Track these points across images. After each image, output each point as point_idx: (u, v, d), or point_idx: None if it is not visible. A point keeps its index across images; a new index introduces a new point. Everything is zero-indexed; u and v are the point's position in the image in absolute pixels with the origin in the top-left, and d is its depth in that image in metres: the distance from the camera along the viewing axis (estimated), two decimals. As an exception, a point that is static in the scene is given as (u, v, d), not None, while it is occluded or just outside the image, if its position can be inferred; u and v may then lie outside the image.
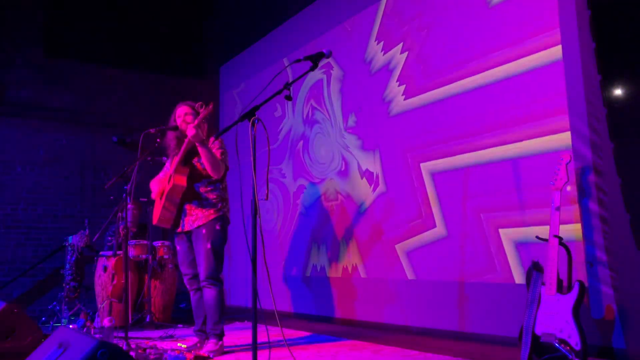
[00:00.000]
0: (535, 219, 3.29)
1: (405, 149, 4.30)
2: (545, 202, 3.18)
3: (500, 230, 3.52)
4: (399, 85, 4.35)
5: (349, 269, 4.77)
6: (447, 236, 3.89)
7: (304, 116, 5.53)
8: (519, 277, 3.37)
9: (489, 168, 3.64)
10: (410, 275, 4.18)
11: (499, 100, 3.57)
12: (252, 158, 2.41)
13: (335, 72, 5.11)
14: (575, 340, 2.46)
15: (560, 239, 2.66)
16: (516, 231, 3.42)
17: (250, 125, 2.41)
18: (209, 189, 3.66)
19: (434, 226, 4.00)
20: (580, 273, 3.00)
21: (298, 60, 2.57)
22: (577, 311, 2.52)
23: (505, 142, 3.53)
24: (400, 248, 4.27)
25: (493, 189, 3.60)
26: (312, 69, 2.57)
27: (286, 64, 5.53)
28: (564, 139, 3.16)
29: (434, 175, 4.04)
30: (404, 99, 4.30)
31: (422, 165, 4.15)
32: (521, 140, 3.42)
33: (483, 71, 3.67)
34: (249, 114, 2.43)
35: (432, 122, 4.07)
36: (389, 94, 4.46)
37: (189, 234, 3.69)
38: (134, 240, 5.33)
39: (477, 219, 3.68)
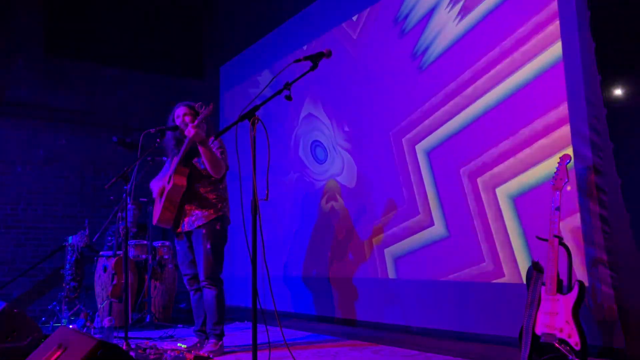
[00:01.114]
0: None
1: (402, 133, 4.32)
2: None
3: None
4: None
5: (349, 268, 4.77)
6: (448, 236, 3.89)
7: (305, 116, 5.53)
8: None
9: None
10: (410, 274, 4.18)
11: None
12: (252, 158, 2.41)
13: (335, 70, 5.10)
14: (575, 340, 2.46)
15: (561, 239, 2.66)
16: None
17: (250, 126, 2.41)
18: (208, 189, 3.66)
19: (432, 224, 4.00)
20: (580, 273, 3.00)
21: (298, 60, 2.57)
22: (577, 311, 2.51)
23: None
24: (401, 247, 4.27)
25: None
26: (312, 69, 2.56)
27: (286, 63, 5.53)
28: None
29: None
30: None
31: (416, 147, 4.19)
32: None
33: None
34: (249, 114, 2.43)
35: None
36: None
37: (189, 234, 3.69)
38: (134, 240, 5.33)
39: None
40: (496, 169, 3.59)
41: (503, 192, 3.53)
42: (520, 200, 3.43)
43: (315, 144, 5.35)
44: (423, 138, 4.15)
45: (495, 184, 3.59)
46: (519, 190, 3.44)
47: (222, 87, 7.30)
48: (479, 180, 3.69)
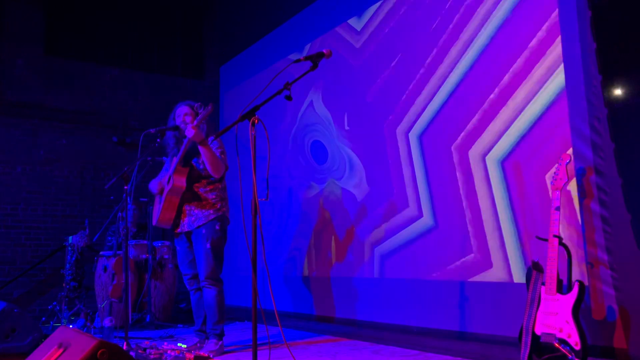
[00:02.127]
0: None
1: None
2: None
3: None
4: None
5: (349, 268, 4.76)
6: (436, 226, 3.89)
7: (306, 116, 5.52)
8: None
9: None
10: (410, 274, 4.18)
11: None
12: (252, 158, 2.41)
13: (335, 70, 5.10)
14: (575, 340, 2.46)
15: (560, 239, 2.66)
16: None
17: (250, 126, 2.40)
18: (208, 189, 3.66)
19: (431, 222, 4.00)
20: (580, 273, 3.00)
21: (298, 60, 2.57)
22: (577, 311, 2.51)
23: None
24: (401, 247, 4.27)
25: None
26: (312, 69, 2.56)
27: (286, 64, 5.53)
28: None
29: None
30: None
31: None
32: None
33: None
34: (249, 114, 2.43)
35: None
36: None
37: (188, 234, 3.69)
38: (134, 240, 5.33)
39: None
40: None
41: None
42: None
43: (316, 144, 5.35)
44: (413, 123, 4.24)
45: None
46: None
47: (222, 87, 7.30)
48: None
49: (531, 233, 3.30)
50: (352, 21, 4.99)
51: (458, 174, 3.83)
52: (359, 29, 4.91)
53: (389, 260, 4.37)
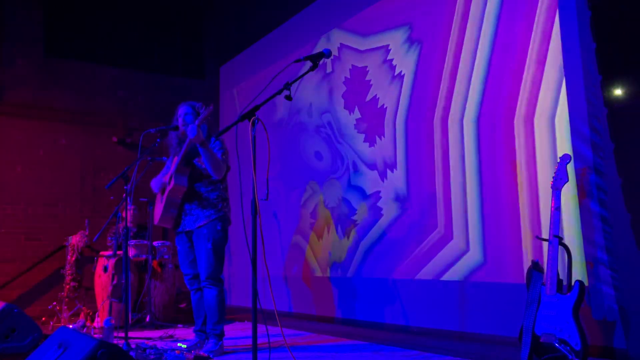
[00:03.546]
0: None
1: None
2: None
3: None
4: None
5: (350, 268, 4.77)
6: (453, 238, 3.90)
7: (306, 115, 5.52)
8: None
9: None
10: (410, 274, 4.18)
11: None
12: (252, 158, 2.41)
13: (337, 69, 5.10)
14: (575, 340, 2.47)
15: (560, 239, 2.66)
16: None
17: (250, 126, 2.40)
18: (209, 189, 3.66)
19: (436, 227, 4.00)
20: (580, 273, 3.00)
21: (298, 60, 2.57)
22: (577, 311, 2.52)
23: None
24: (401, 247, 4.27)
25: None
26: (312, 68, 2.56)
27: (286, 63, 5.54)
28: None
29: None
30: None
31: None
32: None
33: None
34: (249, 114, 2.43)
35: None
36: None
37: (189, 234, 3.69)
38: (134, 240, 5.33)
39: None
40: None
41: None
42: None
43: (315, 143, 5.35)
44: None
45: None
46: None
47: (222, 87, 7.30)
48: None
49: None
50: (354, 20, 4.99)
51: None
52: (360, 29, 4.91)
53: (392, 262, 4.37)
